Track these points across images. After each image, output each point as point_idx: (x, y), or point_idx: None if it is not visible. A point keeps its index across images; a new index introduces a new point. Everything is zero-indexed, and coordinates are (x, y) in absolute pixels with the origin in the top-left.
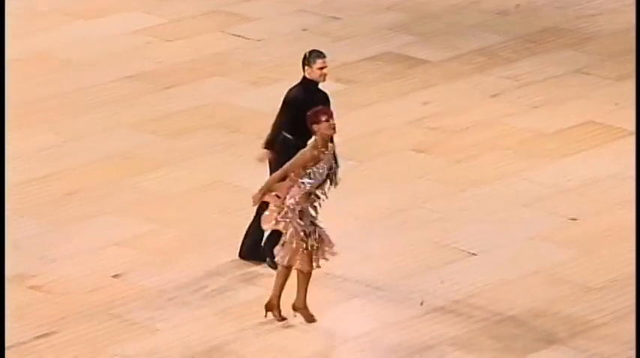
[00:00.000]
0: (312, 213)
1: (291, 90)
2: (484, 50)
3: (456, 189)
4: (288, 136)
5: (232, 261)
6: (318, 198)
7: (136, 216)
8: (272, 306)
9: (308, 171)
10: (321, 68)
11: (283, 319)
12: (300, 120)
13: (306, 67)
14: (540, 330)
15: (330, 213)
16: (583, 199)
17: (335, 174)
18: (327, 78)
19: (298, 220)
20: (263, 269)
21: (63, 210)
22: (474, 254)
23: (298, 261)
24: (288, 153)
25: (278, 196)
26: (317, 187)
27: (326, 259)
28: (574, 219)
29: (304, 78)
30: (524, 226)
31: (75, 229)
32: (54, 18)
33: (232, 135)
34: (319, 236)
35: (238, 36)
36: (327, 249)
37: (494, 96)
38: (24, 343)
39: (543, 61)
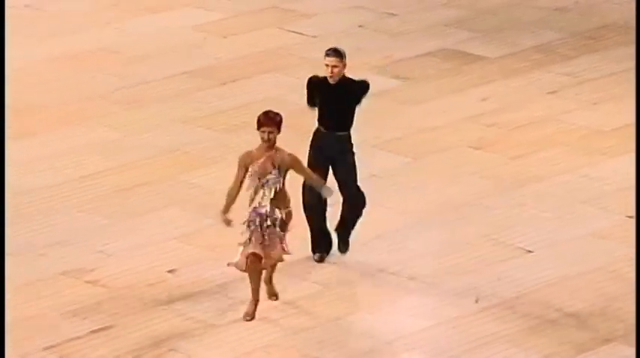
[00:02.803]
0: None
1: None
2: (542, 47)
3: (513, 185)
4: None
5: (287, 256)
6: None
7: (192, 210)
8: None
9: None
10: (327, 65)
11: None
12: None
13: None
14: (598, 328)
15: (386, 209)
16: None
17: (267, 184)
18: (385, 73)
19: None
20: (316, 265)
21: (121, 204)
22: (530, 251)
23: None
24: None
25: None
26: (255, 192)
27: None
28: (631, 217)
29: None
30: (582, 223)
31: (132, 224)
32: (114, 14)
33: (287, 131)
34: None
35: (295, 32)
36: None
37: (552, 92)
38: (80, 337)
39: (602, 58)
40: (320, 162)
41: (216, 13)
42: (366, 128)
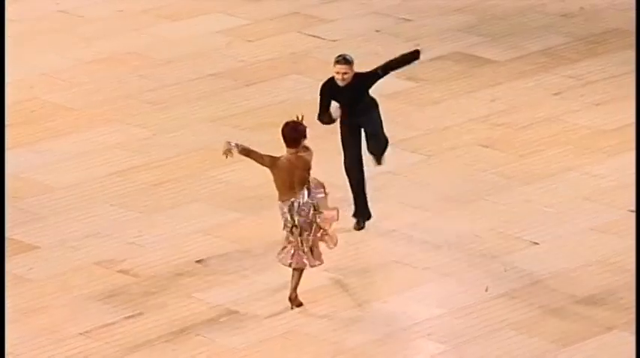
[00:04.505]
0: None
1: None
2: (548, 51)
3: (520, 182)
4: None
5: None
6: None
7: (219, 205)
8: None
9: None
10: (337, 72)
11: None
12: (323, 108)
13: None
14: (600, 316)
15: (400, 204)
16: None
17: None
18: (399, 75)
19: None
20: (340, 258)
21: (151, 199)
22: (536, 243)
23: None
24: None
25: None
26: None
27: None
28: (633, 211)
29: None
30: (585, 218)
31: (162, 217)
32: (143, 19)
33: (308, 130)
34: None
35: (315, 36)
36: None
37: (557, 94)
38: (114, 323)
39: (605, 62)
40: (352, 132)
41: (241, 18)
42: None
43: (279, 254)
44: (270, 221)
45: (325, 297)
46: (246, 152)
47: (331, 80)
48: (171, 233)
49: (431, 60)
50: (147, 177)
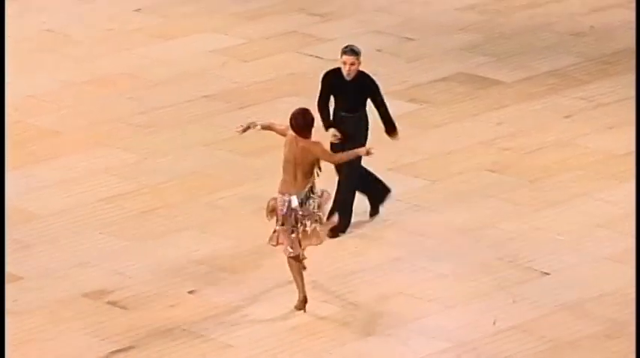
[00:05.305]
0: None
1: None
2: (557, 71)
3: (529, 209)
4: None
5: (305, 278)
6: None
7: (211, 233)
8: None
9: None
10: (344, 63)
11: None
12: (324, 98)
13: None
14: (613, 350)
15: (403, 232)
16: None
17: None
18: (401, 97)
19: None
20: (341, 288)
21: (141, 226)
22: (546, 273)
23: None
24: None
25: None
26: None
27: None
28: None
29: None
30: (598, 246)
31: (152, 245)
32: (134, 38)
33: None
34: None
35: (313, 56)
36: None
37: (567, 117)
38: None
39: (616, 83)
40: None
41: (236, 38)
42: (383, 151)
43: (272, 240)
44: (267, 250)
45: (326, 329)
46: (268, 127)
47: (336, 71)
48: (162, 262)
49: (434, 81)
50: (137, 203)
